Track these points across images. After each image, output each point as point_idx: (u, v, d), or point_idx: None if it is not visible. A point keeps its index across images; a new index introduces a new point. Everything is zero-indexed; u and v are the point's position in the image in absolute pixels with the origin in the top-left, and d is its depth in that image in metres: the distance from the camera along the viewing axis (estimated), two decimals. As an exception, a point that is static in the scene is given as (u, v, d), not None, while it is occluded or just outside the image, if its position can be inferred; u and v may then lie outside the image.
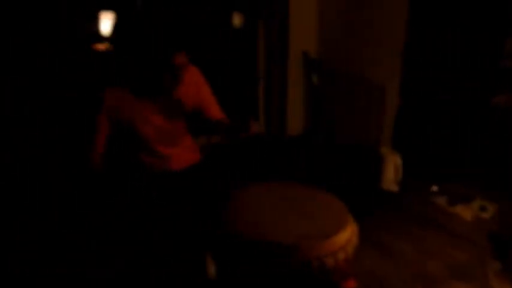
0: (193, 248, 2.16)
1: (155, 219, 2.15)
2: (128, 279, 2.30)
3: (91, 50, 3.48)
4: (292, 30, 3.87)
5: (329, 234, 1.57)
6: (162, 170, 2.18)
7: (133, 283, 2.28)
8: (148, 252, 2.26)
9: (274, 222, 1.65)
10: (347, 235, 1.62)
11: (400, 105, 3.45)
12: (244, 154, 3.73)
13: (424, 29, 3.19)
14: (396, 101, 3.45)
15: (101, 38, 3.52)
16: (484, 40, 2.90)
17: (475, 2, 2.90)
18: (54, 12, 3.11)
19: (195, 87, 2.14)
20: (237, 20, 3.93)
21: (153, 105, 2.06)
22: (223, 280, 1.80)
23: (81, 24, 3.38)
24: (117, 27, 3.13)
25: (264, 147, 3.92)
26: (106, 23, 3.50)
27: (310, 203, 1.81)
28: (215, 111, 2.20)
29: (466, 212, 3.05)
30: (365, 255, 2.58)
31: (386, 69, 3.48)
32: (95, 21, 3.49)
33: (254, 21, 3.94)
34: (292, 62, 3.98)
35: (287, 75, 4.00)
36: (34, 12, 3.07)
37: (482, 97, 2.99)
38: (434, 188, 3.28)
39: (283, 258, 1.51)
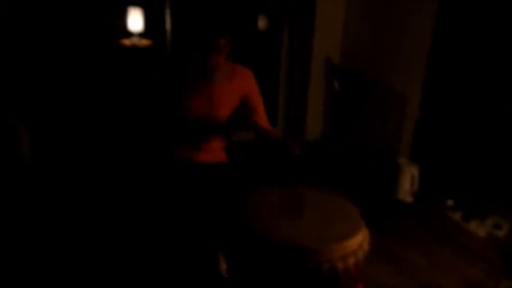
0: (206, 244, 2.17)
1: (171, 212, 2.18)
2: (138, 275, 2.33)
3: (116, 45, 3.54)
4: (316, 36, 3.90)
5: (341, 238, 1.59)
6: (190, 160, 2.22)
7: (143, 279, 2.30)
8: (159, 248, 2.28)
9: (286, 224, 1.67)
10: (359, 240, 1.63)
11: (421, 115, 3.43)
12: (263, 157, 3.74)
13: (450, 38, 3.17)
14: (417, 111, 3.44)
15: (128, 34, 3.60)
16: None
17: (504, 13, 2.87)
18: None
19: (244, 90, 2.23)
20: (262, 22, 3.97)
21: (198, 93, 2.14)
22: (234, 278, 1.81)
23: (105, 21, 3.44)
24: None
25: (281, 150, 3.93)
26: (135, 19, 3.57)
27: (323, 206, 1.82)
28: (262, 117, 2.30)
29: (480, 229, 3.02)
30: (375, 266, 2.58)
31: (409, 78, 3.48)
32: (122, 17, 3.57)
33: (279, 25, 3.97)
34: (315, 66, 4.00)
35: (309, 79, 4.03)
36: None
37: (507, 111, 2.96)
38: (450, 202, 3.25)
39: (294, 259, 1.52)
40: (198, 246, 2.18)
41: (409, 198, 3.34)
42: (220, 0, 3.68)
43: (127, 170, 2.41)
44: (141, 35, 3.63)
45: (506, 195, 3.01)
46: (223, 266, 2.19)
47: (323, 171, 3.71)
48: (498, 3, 2.91)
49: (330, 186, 2.94)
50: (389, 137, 3.66)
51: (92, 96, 3.38)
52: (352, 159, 3.80)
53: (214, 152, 2.28)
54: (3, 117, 2.85)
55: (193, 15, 3.57)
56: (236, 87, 2.21)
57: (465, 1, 3.04)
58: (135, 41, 3.60)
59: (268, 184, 2.05)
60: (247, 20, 3.89)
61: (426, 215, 3.23)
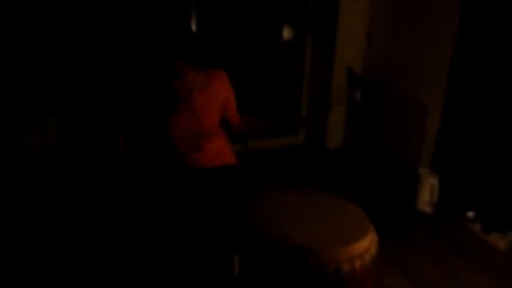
0: (220, 245, 2.21)
1: (181, 213, 2.21)
2: (151, 275, 2.36)
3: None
4: (339, 46, 3.95)
5: (348, 240, 1.63)
6: (195, 165, 2.25)
7: (156, 279, 2.35)
8: (170, 248, 2.31)
9: (295, 225, 1.72)
10: (366, 244, 1.66)
11: (442, 126, 3.42)
12: (281, 163, 3.80)
13: (471, 48, 3.16)
14: (438, 122, 3.44)
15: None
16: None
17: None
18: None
19: (224, 93, 2.27)
20: (287, 33, 4.05)
21: (180, 108, 2.18)
22: (245, 278, 1.86)
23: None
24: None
25: (301, 158, 3.97)
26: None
27: (332, 209, 1.86)
28: (233, 113, 2.34)
29: (500, 242, 2.97)
30: (389, 275, 2.58)
31: (430, 88, 3.48)
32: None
33: (303, 35, 4.04)
34: (337, 77, 4.05)
35: (331, 89, 4.07)
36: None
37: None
38: (471, 214, 3.22)
39: (300, 259, 1.57)
40: (212, 246, 2.22)
41: (428, 209, 3.33)
42: (244, 7, 3.78)
43: (140, 175, 2.44)
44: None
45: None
46: (237, 266, 2.25)
47: (342, 178, 3.74)
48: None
49: (347, 193, 2.96)
50: (410, 147, 3.66)
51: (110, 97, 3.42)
52: (372, 168, 3.81)
53: (220, 153, 2.30)
54: (36, 109, 2.94)
55: (217, 18, 3.67)
56: (216, 93, 2.22)
57: (485, 14, 3.04)
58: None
59: (277, 186, 2.09)
60: (271, 30, 3.97)
61: (445, 225, 3.20)
